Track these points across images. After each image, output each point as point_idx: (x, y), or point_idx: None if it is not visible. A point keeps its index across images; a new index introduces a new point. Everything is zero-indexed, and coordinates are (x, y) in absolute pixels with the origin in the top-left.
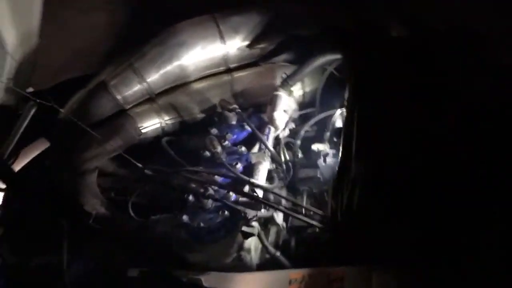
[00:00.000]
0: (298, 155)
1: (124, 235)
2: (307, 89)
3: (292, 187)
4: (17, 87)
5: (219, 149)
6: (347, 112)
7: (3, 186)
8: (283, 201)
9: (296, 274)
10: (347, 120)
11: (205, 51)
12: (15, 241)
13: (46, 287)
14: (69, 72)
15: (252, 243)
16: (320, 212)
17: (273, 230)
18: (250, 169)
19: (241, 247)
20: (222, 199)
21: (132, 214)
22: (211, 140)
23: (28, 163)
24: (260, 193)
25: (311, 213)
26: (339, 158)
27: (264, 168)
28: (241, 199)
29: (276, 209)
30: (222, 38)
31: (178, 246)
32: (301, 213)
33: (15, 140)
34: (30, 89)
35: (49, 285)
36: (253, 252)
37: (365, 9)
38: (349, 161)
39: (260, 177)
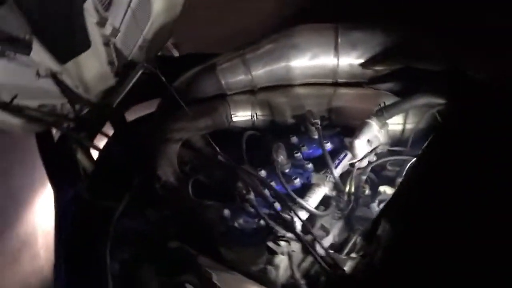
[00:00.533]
0: (364, 191)
1: (180, 209)
2: (409, 126)
3: (349, 222)
4: (152, 48)
5: (280, 158)
6: (415, 162)
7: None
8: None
9: None
10: (408, 171)
11: (316, 59)
12: (96, 180)
13: (97, 228)
14: (215, 46)
15: (282, 261)
16: (336, 257)
17: (310, 258)
18: (307, 188)
19: (270, 261)
20: (256, 207)
21: (190, 192)
22: (278, 147)
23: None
24: (304, 215)
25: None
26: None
27: (320, 192)
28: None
29: (295, 236)
30: (336, 50)
31: (217, 237)
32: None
33: (123, 93)
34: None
35: (100, 228)
36: (281, 271)
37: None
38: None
39: (312, 200)
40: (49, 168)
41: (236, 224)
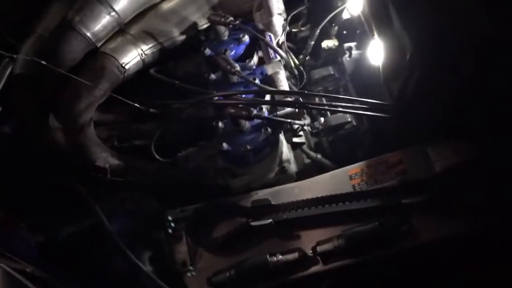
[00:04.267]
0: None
1: (151, 180)
2: None
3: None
4: None
5: (238, 67)
6: None
7: None
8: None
9: (355, 169)
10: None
11: None
12: (36, 217)
13: (87, 253)
14: None
15: (289, 153)
16: (382, 102)
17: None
18: (268, 81)
19: (281, 160)
20: (270, 117)
21: (156, 155)
22: (225, 60)
23: None
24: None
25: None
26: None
27: (283, 77)
28: (279, 112)
29: (338, 111)
30: None
31: (215, 176)
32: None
33: None
34: None
35: (92, 249)
36: (292, 162)
37: None
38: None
39: (285, 86)
40: None
41: (248, 147)
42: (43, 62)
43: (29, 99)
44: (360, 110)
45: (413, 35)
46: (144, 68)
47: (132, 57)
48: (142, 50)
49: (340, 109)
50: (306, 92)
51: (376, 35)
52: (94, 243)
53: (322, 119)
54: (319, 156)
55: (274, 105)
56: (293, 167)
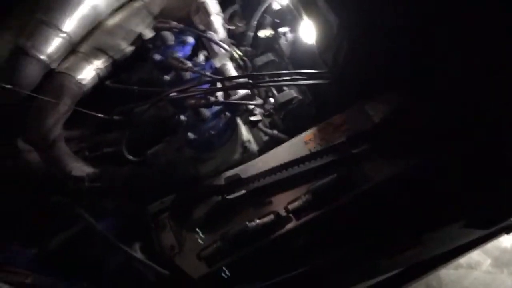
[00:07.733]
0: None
1: (126, 181)
2: None
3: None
4: None
5: (189, 64)
6: None
7: None
8: None
9: (308, 135)
10: None
11: None
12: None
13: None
14: None
15: (248, 134)
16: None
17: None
18: (218, 73)
19: (242, 140)
20: (227, 102)
21: (129, 156)
22: (176, 59)
23: None
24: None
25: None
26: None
27: (231, 66)
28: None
29: (284, 85)
30: None
31: (185, 166)
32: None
33: None
34: None
35: (85, 253)
36: (252, 141)
37: None
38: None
39: (234, 74)
40: None
41: (212, 132)
42: (7, 86)
43: None
44: (302, 81)
45: (337, 11)
46: (100, 81)
47: (88, 73)
48: (96, 65)
49: (285, 83)
50: (252, 73)
51: (305, 17)
52: (86, 247)
53: (271, 100)
54: (275, 132)
55: (228, 89)
56: (254, 146)
